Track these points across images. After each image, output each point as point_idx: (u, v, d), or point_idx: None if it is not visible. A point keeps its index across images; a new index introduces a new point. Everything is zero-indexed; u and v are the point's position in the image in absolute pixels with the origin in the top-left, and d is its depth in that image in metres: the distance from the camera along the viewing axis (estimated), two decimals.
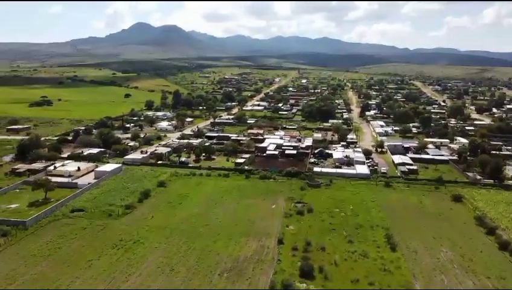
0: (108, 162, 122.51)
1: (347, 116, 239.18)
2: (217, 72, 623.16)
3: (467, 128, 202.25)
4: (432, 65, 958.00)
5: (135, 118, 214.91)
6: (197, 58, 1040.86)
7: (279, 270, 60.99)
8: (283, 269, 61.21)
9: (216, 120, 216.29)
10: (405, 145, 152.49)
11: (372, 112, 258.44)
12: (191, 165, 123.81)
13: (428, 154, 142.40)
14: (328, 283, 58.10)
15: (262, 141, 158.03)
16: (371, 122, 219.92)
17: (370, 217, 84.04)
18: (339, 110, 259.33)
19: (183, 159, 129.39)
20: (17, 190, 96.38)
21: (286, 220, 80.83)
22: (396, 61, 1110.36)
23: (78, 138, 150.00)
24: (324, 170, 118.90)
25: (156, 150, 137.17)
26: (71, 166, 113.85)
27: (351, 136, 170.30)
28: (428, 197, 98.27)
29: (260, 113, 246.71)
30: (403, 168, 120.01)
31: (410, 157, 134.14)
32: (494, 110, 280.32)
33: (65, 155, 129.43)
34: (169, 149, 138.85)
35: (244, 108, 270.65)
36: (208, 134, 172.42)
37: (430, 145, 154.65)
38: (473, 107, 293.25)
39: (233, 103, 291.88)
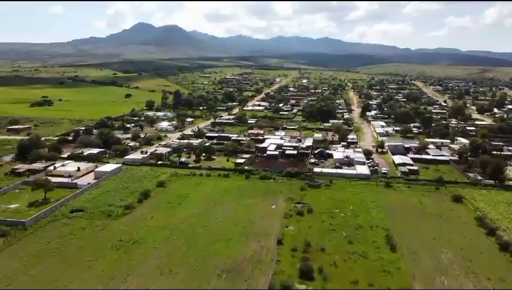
0: (108, 163, 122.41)
1: (348, 116, 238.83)
2: (218, 72, 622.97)
3: (467, 128, 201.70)
4: (433, 65, 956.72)
5: (136, 118, 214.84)
6: (198, 58, 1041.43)
7: (279, 271, 60.80)
8: (282, 270, 61.02)
9: (216, 120, 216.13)
10: (406, 146, 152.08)
11: (373, 112, 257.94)
12: (191, 165, 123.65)
13: (429, 154, 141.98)
14: (327, 284, 57.91)
15: (263, 141, 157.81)
16: (371, 122, 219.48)
17: (370, 217, 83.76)
18: (339, 111, 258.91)
19: (183, 159, 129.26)
20: (17, 190, 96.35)
21: (286, 221, 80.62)
22: (398, 61, 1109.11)
23: (78, 138, 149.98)
24: (324, 170, 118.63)
25: (156, 150, 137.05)
26: (71, 166, 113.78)
27: (351, 137, 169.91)
28: (429, 197, 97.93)
29: (261, 114, 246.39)
30: (403, 169, 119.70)
31: (411, 158, 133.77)
32: (495, 110, 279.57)
33: (65, 155, 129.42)
34: (169, 149, 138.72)
35: (244, 108, 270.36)
36: (208, 134, 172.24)
37: (430, 146, 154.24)
38: (474, 108, 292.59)
39: (234, 103, 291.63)
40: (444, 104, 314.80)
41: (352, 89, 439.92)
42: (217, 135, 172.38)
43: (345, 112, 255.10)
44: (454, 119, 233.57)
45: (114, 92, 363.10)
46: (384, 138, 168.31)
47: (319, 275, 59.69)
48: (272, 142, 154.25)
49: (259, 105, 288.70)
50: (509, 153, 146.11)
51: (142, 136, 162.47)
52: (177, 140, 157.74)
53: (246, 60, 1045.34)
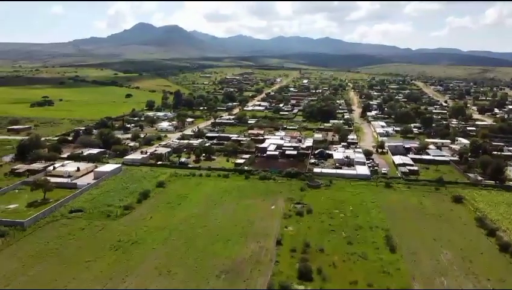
0: (108, 163, 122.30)
1: (348, 116, 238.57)
2: (219, 72, 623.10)
3: (468, 128, 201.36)
4: (433, 65, 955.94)
5: (136, 118, 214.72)
6: (198, 58, 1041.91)
7: (277, 271, 60.58)
8: (281, 271, 60.80)
9: (217, 120, 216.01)
10: (406, 146, 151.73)
11: (373, 113, 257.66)
12: (190, 165, 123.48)
13: (429, 154, 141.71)
14: (326, 285, 57.68)
15: (263, 141, 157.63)
16: (372, 122, 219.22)
17: (370, 218, 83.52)
18: (340, 111, 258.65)
19: (183, 159, 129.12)
20: (16, 190, 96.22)
21: (285, 221, 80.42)
22: (398, 61, 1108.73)
23: (78, 138, 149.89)
24: (324, 170, 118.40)
25: (156, 150, 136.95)
26: (71, 166, 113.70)
27: (351, 137, 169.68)
28: (429, 198, 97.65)
29: (261, 114, 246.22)
30: (403, 169, 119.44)
31: (411, 158, 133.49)
32: (496, 110, 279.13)
33: (65, 155, 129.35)
34: (169, 149, 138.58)
35: (245, 108, 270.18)
36: (208, 134, 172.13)
37: (431, 146, 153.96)
38: (474, 108, 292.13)
39: (234, 103, 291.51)
40: (444, 104, 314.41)
41: (353, 89, 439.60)
42: (217, 135, 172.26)
43: (346, 112, 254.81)
44: (454, 120, 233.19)
45: (114, 92, 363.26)
46: (385, 138, 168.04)
47: (317, 275, 59.45)
48: (272, 142, 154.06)
49: (259, 105, 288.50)
50: (510, 153, 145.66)
51: (142, 136, 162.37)
52: (177, 140, 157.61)
53: (246, 60, 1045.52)
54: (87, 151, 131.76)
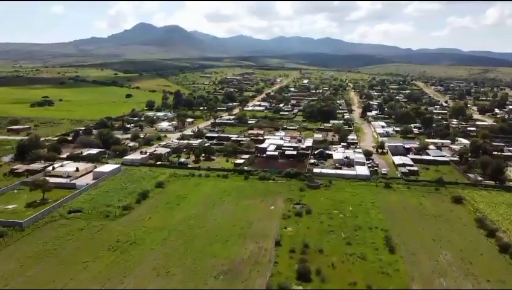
0: (107, 163, 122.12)
1: (348, 116, 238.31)
2: (219, 72, 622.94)
3: (468, 129, 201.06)
4: (434, 65, 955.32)
5: (136, 119, 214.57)
6: (199, 58, 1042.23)
7: (276, 272, 60.37)
8: (280, 272, 60.58)
9: (217, 120, 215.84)
10: (406, 146, 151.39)
11: (373, 113, 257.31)
12: (190, 165, 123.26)
13: (429, 155, 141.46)
14: (324, 286, 57.48)
15: (263, 141, 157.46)
16: (372, 122, 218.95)
17: (369, 218, 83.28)
18: (340, 111, 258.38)
19: (182, 159, 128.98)
20: (15, 191, 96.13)
21: (284, 222, 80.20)
22: (399, 61, 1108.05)
23: (78, 138, 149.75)
24: (324, 170, 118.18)
25: (155, 150, 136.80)
26: (70, 166, 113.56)
27: (351, 137, 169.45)
28: (429, 198, 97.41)
29: (261, 114, 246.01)
30: (403, 169, 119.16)
31: (411, 158, 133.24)
32: (497, 110, 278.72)
33: (64, 156, 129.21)
34: (168, 150, 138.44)
35: (245, 108, 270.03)
36: (208, 134, 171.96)
37: (431, 146, 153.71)
38: (475, 108, 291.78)
39: (234, 103, 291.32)
40: (445, 104, 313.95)
41: (353, 89, 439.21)
42: (216, 135, 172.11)
43: (346, 112, 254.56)
44: (455, 120, 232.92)
45: (115, 92, 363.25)
46: (385, 139, 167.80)
47: (316, 276, 59.24)
48: (271, 142, 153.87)
49: (259, 105, 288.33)
50: (510, 153, 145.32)
51: (142, 136, 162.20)
52: (176, 140, 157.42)
53: (246, 60, 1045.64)
54: (86, 152, 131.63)
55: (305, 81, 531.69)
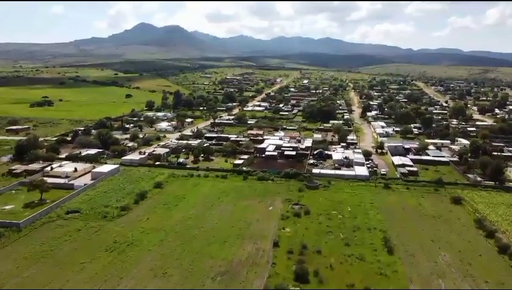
0: (106, 163, 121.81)
1: (348, 116, 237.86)
2: (219, 72, 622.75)
3: (468, 129, 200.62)
4: (435, 65, 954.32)
5: (135, 119, 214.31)
6: (199, 58, 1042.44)
7: (274, 274, 60.04)
8: (277, 273, 60.24)
9: (216, 121, 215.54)
10: (405, 146, 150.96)
11: (373, 113, 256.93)
12: (189, 166, 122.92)
13: (428, 155, 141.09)
14: (322, 287, 57.19)
15: (262, 141, 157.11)
16: (371, 123, 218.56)
17: (368, 219, 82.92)
18: (340, 111, 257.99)
19: (181, 160, 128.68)
20: (13, 191, 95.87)
21: (283, 222, 79.87)
22: (399, 61, 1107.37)
23: (77, 139, 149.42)
24: (323, 171, 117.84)
25: (154, 150, 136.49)
26: (68, 167, 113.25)
27: (351, 137, 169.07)
28: (428, 199, 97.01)
29: (261, 114, 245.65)
30: (402, 170, 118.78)
31: (411, 159, 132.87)
32: (497, 111, 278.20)
33: (63, 156, 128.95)
34: (167, 150, 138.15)
35: (245, 108, 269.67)
36: (207, 135, 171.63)
37: (430, 146, 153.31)
38: (475, 108, 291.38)
39: (234, 104, 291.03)
40: (445, 104, 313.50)
41: (353, 89, 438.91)
42: (216, 135, 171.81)
43: (346, 113, 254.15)
44: (455, 120, 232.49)
45: (115, 92, 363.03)
46: (384, 139, 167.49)
47: (314, 278, 58.94)
48: (271, 142, 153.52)
49: (259, 105, 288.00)
50: (510, 154, 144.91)
51: (141, 136, 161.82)
52: (175, 141, 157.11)
53: (247, 61, 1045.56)
54: (85, 152, 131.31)
55: (305, 81, 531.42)
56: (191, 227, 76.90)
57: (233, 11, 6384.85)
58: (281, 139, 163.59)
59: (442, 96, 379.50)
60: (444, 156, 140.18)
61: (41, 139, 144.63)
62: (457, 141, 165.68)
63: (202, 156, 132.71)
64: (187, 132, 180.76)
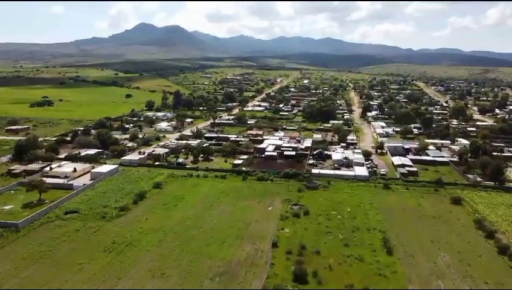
0: (105, 163, 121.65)
1: (348, 116, 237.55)
2: (219, 72, 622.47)
3: (469, 129, 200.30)
4: (435, 65, 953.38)
5: (135, 119, 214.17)
6: (199, 58, 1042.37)
7: (272, 274, 59.90)
8: (276, 274, 60.11)
9: (216, 121, 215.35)
10: (405, 147, 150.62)
11: (373, 113, 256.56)
12: (188, 166, 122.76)
13: (428, 155, 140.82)
14: (321, 288, 57.00)
15: (261, 142, 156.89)
16: (371, 123, 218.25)
17: (367, 219, 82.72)
18: (340, 111, 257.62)
19: (180, 160, 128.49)
20: (12, 191, 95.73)
21: (282, 223, 79.69)
22: (399, 61, 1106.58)
23: (76, 139, 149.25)
24: (322, 171, 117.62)
25: (153, 151, 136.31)
26: (67, 167, 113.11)
27: (351, 137, 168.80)
28: (427, 199, 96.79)
29: (261, 114, 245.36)
30: (402, 170, 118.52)
31: (410, 159, 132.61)
32: (497, 111, 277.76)
33: (62, 156, 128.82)
34: (167, 150, 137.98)
35: (245, 108, 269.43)
36: (207, 135, 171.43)
37: (430, 147, 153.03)
38: (475, 108, 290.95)
39: (234, 104, 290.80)
40: (445, 104, 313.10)
41: (353, 89, 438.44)
42: (215, 135, 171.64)
43: (346, 113, 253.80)
44: (455, 120, 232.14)
45: (115, 92, 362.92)
46: (384, 139, 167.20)
47: (313, 278, 58.78)
48: (270, 143, 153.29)
49: (259, 105, 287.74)
50: (510, 154, 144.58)
51: (141, 136, 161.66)
52: (175, 141, 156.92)
53: (247, 61, 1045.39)
54: (84, 152, 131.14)
55: (306, 81, 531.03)
56: (189, 227, 76.76)
57: (233, 11, 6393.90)
58: (280, 139, 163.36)
59: (443, 97, 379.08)
60: (443, 156, 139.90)
61: (40, 139, 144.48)
62: (457, 141, 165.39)
63: (202, 156, 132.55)
64: (187, 132, 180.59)
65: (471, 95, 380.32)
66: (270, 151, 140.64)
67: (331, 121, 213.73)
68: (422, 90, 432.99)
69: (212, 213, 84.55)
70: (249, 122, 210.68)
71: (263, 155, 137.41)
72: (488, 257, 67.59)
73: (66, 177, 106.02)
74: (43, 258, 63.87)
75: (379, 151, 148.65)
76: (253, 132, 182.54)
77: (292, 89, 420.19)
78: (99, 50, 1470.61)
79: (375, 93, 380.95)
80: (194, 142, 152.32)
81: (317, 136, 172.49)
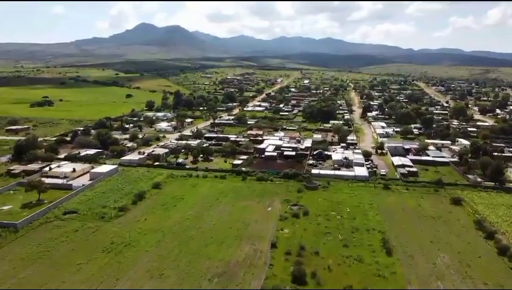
0: (105, 163, 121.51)
1: (348, 117, 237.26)
2: (220, 72, 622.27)
3: (469, 129, 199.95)
4: (435, 66, 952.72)
5: (135, 119, 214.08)
6: (200, 58, 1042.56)
7: (271, 275, 59.67)
8: (275, 274, 59.89)
9: (216, 121, 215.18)
10: (405, 147, 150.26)
11: (373, 113, 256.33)
12: (188, 166, 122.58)
13: (428, 156, 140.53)
14: (320, 289, 56.75)
15: (261, 142, 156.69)
16: (372, 123, 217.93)
17: (367, 220, 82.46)
18: (340, 111, 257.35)
19: (180, 160, 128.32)
20: (11, 191, 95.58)
21: (281, 223, 79.47)
22: (400, 61, 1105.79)
23: (76, 139, 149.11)
24: (322, 171, 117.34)
25: (153, 151, 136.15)
26: (67, 167, 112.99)
27: (351, 138, 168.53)
28: (427, 200, 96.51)
29: (261, 114, 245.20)
30: (402, 170, 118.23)
31: (411, 159, 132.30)
32: (498, 111, 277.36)
33: (62, 156, 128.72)
34: (166, 150, 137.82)
35: (245, 109, 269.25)
36: (206, 135, 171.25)
37: (431, 147, 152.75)
38: (476, 108, 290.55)
39: (234, 104, 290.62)
40: (445, 104, 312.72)
41: (354, 89, 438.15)
42: (215, 135, 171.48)
43: (346, 113, 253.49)
44: (455, 120, 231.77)
45: (115, 92, 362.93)
46: (385, 139, 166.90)
47: (312, 279, 58.55)
48: (270, 143, 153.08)
49: (259, 105, 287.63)
50: (511, 154, 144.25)
51: (141, 136, 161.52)
52: (175, 141, 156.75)
53: (247, 61, 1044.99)
54: (84, 152, 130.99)
55: (306, 81, 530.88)
56: (188, 228, 76.57)
57: (234, 11, 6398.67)
58: (280, 139, 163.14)
59: (443, 97, 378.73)
60: (444, 157, 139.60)
61: (40, 139, 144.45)
62: (457, 141, 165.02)
63: (201, 157, 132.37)
64: (187, 132, 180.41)
65: (471, 95, 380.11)
66: (270, 151, 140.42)
67: (331, 121, 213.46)
68: (422, 90, 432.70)
69: (211, 213, 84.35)
70: (249, 122, 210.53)
71: (263, 155, 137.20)
72: (488, 258, 67.32)
73: (65, 177, 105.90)
74: (42, 259, 63.73)
75: (379, 151, 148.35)
76: (253, 132, 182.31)
77: (292, 89, 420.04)
78: (100, 50, 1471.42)
79: (376, 94, 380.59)
80: (193, 143, 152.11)
81: (317, 137, 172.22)
